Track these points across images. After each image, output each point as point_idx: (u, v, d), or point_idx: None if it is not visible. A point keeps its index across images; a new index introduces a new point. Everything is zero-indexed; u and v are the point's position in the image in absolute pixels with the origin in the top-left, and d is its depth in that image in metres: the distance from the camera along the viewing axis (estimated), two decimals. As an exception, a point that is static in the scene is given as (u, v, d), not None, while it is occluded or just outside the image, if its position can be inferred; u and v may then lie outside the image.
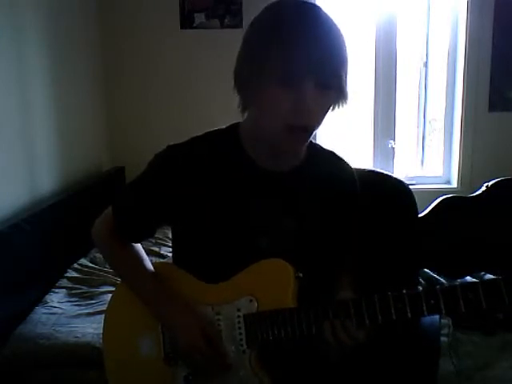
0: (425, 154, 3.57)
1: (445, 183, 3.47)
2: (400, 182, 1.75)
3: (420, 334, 1.53)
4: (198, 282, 1.06)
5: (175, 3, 3.18)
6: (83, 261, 2.48)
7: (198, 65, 3.23)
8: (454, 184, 3.38)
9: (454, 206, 2.35)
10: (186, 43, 3.22)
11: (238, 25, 3.14)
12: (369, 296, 0.93)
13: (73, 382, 1.77)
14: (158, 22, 3.21)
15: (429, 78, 3.49)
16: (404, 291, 0.91)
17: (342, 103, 0.97)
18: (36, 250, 2.10)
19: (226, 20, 3.19)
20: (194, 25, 3.20)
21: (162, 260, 2.34)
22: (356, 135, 3.71)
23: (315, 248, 1.06)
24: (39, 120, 2.44)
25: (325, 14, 0.92)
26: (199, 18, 3.19)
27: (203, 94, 3.23)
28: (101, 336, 1.17)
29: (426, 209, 2.32)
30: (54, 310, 2.02)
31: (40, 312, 1.99)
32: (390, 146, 3.42)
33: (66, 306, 2.06)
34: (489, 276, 2.15)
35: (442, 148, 3.47)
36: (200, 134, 1.08)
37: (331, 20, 0.92)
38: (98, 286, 2.23)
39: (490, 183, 2.37)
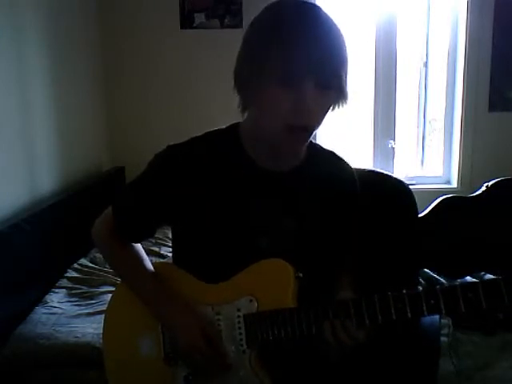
0: (425, 153, 3.57)
1: (445, 183, 3.47)
2: (400, 182, 1.75)
3: (420, 334, 1.53)
4: (197, 282, 1.06)
5: (175, 3, 3.18)
6: (83, 261, 2.48)
7: (197, 65, 3.23)
8: (454, 184, 3.38)
9: (454, 206, 2.35)
10: (186, 43, 3.22)
11: (238, 25, 3.14)
12: (369, 296, 0.93)
13: (73, 382, 1.77)
14: (157, 22, 3.21)
15: (429, 78, 3.48)
16: (404, 291, 0.91)
17: (342, 103, 0.97)
18: (36, 250, 2.10)
19: (226, 20, 3.19)
20: (194, 25, 3.20)
21: (162, 260, 2.34)
22: (356, 135, 3.70)
23: (315, 248, 1.06)
24: (39, 120, 2.44)
25: (325, 14, 0.92)
26: (199, 18, 3.19)
27: (203, 94, 3.23)
28: (101, 336, 1.17)
29: (426, 209, 2.32)
30: (54, 310, 2.02)
31: (40, 312, 1.99)
32: (390, 145, 3.42)
33: (66, 306, 2.06)
34: (489, 276, 2.15)
35: (441, 148, 3.47)
36: (200, 134, 1.08)
37: (331, 20, 0.92)
38: (98, 286, 2.23)
39: (490, 183, 2.37)
